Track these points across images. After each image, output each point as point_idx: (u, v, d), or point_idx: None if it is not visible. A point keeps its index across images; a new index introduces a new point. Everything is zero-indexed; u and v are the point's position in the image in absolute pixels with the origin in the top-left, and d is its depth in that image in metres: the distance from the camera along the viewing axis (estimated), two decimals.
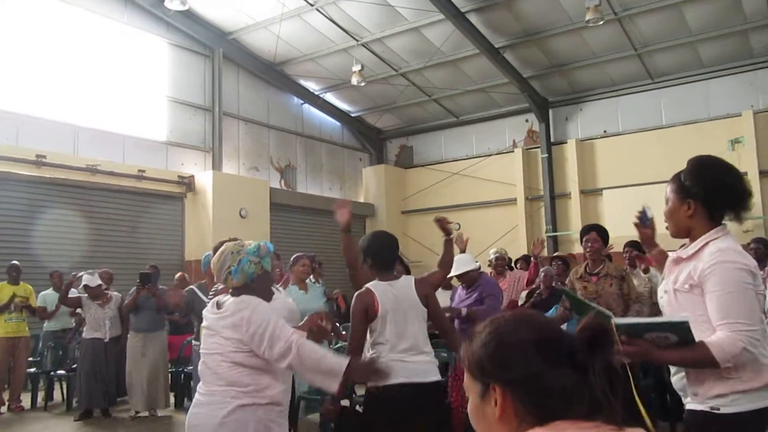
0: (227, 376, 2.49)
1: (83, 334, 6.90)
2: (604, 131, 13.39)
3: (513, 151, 14.34)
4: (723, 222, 2.08)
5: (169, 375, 7.13)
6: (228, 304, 2.57)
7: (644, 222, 2.69)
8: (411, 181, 15.88)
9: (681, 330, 1.87)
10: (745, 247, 5.67)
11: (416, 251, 14.16)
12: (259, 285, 2.66)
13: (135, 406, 6.65)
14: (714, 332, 1.93)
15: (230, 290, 2.68)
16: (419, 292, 3.29)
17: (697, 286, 1.99)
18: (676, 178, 2.14)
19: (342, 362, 2.42)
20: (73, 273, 6.94)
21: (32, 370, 7.79)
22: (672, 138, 12.15)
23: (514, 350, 1.01)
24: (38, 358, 8.09)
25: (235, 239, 3.68)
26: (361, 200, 15.83)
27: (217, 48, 12.48)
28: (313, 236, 13.60)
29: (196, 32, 12.10)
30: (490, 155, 14.66)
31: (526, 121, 14.43)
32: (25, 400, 7.40)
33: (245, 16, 11.84)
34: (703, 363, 1.90)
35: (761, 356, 1.91)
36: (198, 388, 2.62)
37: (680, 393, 2.10)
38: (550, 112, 14.01)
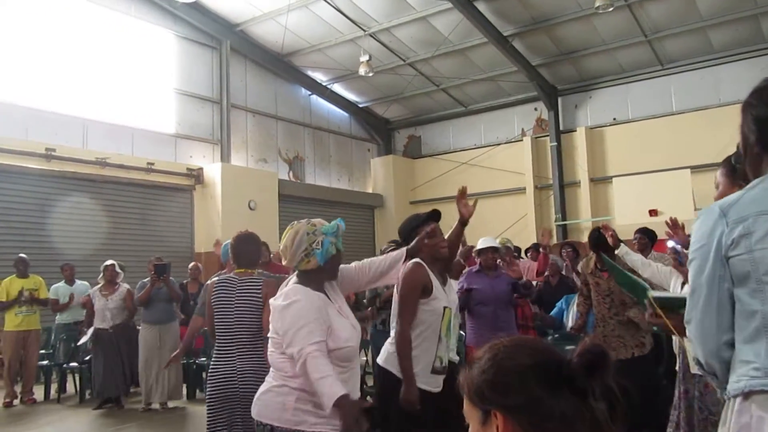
0: (272, 360, 2.55)
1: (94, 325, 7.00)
2: (614, 119, 13.28)
3: (522, 140, 14.27)
4: None
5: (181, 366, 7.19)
6: (284, 292, 2.54)
7: (681, 261, 2.63)
8: (419, 171, 15.85)
9: None
10: None
11: None
12: (331, 266, 2.60)
13: (150, 398, 6.68)
14: None
15: (296, 272, 2.60)
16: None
17: None
18: (727, 162, 2.10)
19: (333, 396, 2.29)
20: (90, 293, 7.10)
21: (45, 362, 7.86)
22: (682, 125, 12.04)
23: (513, 376, 1.02)
24: (51, 351, 8.17)
25: (247, 232, 3.70)
26: (370, 191, 15.82)
27: (224, 40, 12.48)
28: None
29: (203, 24, 12.09)
30: (498, 144, 14.59)
31: (535, 109, 14.34)
32: (38, 392, 7.47)
33: (252, 8, 11.81)
34: None
35: None
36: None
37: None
38: (559, 100, 13.91)
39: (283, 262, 2.65)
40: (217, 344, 3.42)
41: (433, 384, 3.05)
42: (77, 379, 7.54)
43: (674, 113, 12.50)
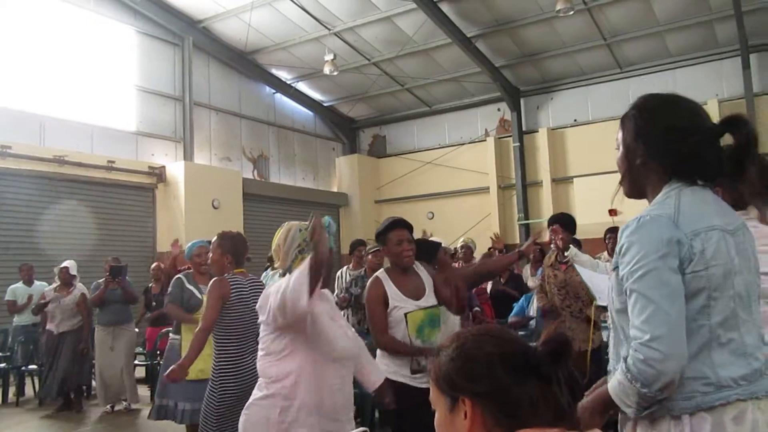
0: (263, 371, 2.55)
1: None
2: (575, 120, 13.56)
3: (485, 140, 14.44)
4: None
5: (134, 368, 7.10)
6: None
7: None
8: (384, 170, 15.90)
9: None
10: None
11: None
12: (327, 263, 2.61)
13: (104, 400, 6.57)
14: None
15: (286, 270, 2.59)
16: None
17: None
18: None
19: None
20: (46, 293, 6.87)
21: (2, 365, 7.66)
22: None
23: (481, 364, 1.06)
24: (8, 353, 7.95)
25: (237, 232, 3.73)
26: (335, 190, 15.81)
27: (187, 36, 12.31)
28: None
29: (165, 20, 11.90)
30: (462, 144, 14.74)
31: (498, 110, 14.53)
32: None
33: (215, 4, 11.68)
34: None
35: None
36: None
37: None
38: (522, 101, 14.13)
39: (276, 264, 2.60)
40: (233, 345, 3.45)
41: (420, 381, 3.07)
42: (36, 381, 7.36)
43: None
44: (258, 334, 3.45)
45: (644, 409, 1.45)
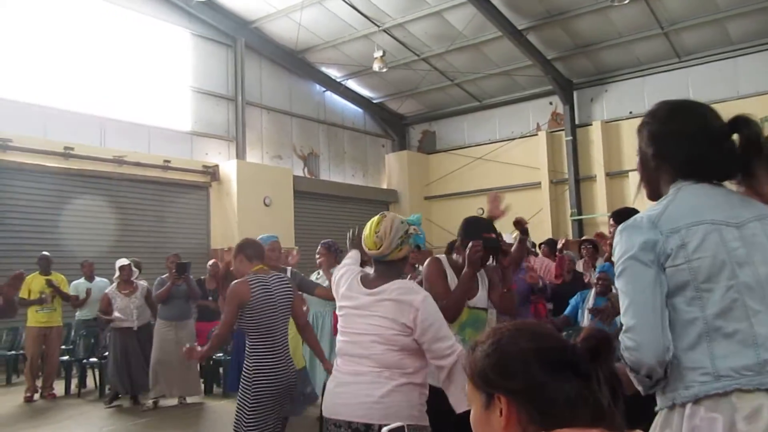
0: (381, 359, 2.44)
1: (112, 324, 6.99)
2: (630, 112, 13.16)
3: (537, 135, 14.19)
4: None
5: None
6: (389, 287, 2.51)
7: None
8: (434, 166, 15.83)
9: None
10: None
11: (439, 236, 14.12)
12: (410, 258, 2.69)
13: (163, 393, 6.69)
14: None
15: (374, 259, 2.61)
16: None
17: None
18: None
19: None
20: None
21: (65, 357, 7.97)
22: None
23: (517, 360, 1.03)
24: (71, 347, 8.27)
25: (244, 239, 3.79)
26: (384, 186, 15.83)
27: (239, 37, 12.54)
28: (336, 223, 13.66)
29: (218, 22, 12.15)
30: (513, 139, 14.53)
31: (550, 103, 14.25)
32: (59, 387, 7.58)
33: (266, 5, 11.85)
34: None
35: None
36: (337, 366, 2.57)
37: None
38: (575, 93, 13.82)
39: (376, 251, 2.57)
40: (267, 342, 3.51)
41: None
42: (97, 374, 7.64)
43: None
44: (287, 328, 3.60)
45: (649, 388, 1.55)
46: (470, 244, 2.98)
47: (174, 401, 6.84)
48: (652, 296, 1.52)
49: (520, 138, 14.45)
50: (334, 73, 14.36)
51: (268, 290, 3.56)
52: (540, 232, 12.27)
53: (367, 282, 2.58)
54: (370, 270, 2.76)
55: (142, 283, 7.16)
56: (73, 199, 9.78)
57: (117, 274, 7.05)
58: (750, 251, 1.53)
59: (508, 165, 14.27)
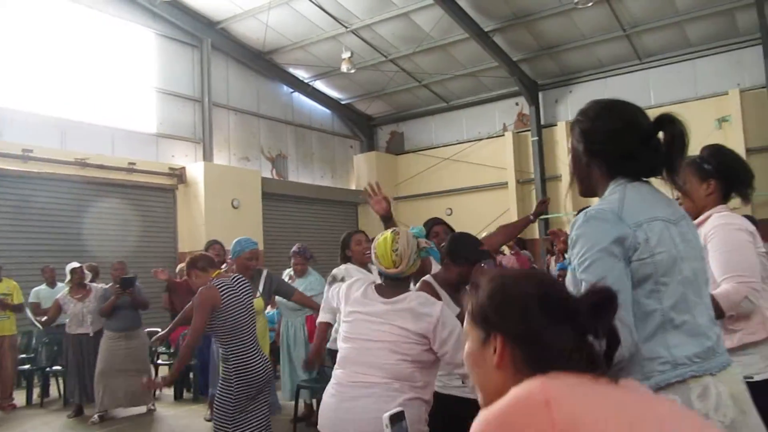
0: (393, 369, 2.38)
1: (66, 330, 6.76)
2: None
3: (503, 135, 14.35)
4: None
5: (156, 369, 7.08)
6: (407, 296, 2.51)
7: None
8: (402, 167, 15.88)
9: None
10: None
11: None
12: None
13: (107, 407, 6.41)
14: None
15: (391, 275, 2.58)
16: None
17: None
18: (693, 162, 2.40)
19: None
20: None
21: (26, 366, 7.75)
22: None
23: (518, 304, 1.05)
24: (32, 355, 8.05)
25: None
26: (353, 188, 15.82)
27: (205, 38, 12.39)
28: (305, 225, 13.62)
29: (183, 22, 11.99)
30: (480, 139, 14.67)
31: (516, 104, 14.43)
32: (21, 397, 7.35)
33: (233, 5, 11.74)
34: None
35: (764, 308, 2.14)
36: (338, 377, 2.49)
37: None
38: (540, 94, 14.01)
39: (394, 269, 2.55)
40: (241, 343, 3.55)
41: (464, 390, 2.90)
42: (61, 383, 7.43)
43: (652, 106, 12.61)
44: (255, 323, 3.68)
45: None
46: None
47: (127, 412, 6.60)
48: (624, 289, 1.55)
49: (487, 138, 14.59)
50: (302, 74, 14.30)
51: (234, 292, 3.60)
52: None
53: (382, 291, 2.56)
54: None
55: (97, 286, 6.89)
56: (33, 203, 9.53)
57: (68, 278, 6.78)
58: (687, 248, 1.64)
59: (476, 165, 14.40)
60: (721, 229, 2.21)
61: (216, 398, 3.54)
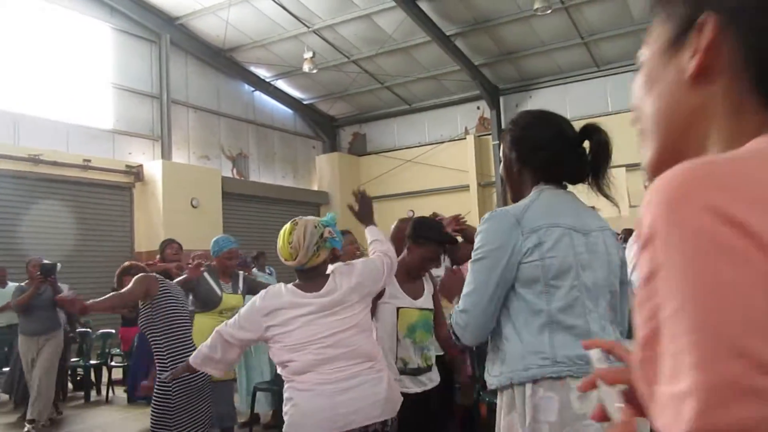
0: (364, 350, 2.43)
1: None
2: None
3: (465, 138, 14.50)
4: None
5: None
6: (333, 282, 2.50)
7: None
8: (364, 168, 15.89)
9: None
10: None
11: None
12: (331, 259, 2.65)
13: (32, 413, 5.91)
14: None
15: (294, 269, 2.54)
16: None
17: None
18: None
19: None
20: None
21: None
22: (618, 124, 11.99)
23: None
24: None
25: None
26: (315, 188, 15.76)
27: (163, 34, 12.17)
28: (267, 225, 13.48)
29: (141, 17, 11.76)
30: (442, 142, 14.79)
31: (478, 108, 14.60)
32: None
33: (192, 1, 11.57)
34: None
35: None
36: (319, 381, 2.36)
37: None
38: (501, 99, 14.21)
39: (293, 261, 2.48)
40: (178, 342, 3.54)
41: (408, 384, 2.94)
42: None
43: (610, 113, 12.93)
44: (190, 329, 3.66)
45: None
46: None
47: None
48: (494, 289, 1.69)
49: (449, 141, 14.72)
50: (263, 73, 14.18)
51: (172, 292, 3.62)
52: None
53: (307, 288, 2.50)
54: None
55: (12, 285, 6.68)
56: None
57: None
58: (591, 257, 1.73)
59: (438, 168, 14.51)
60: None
61: (153, 401, 3.49)
